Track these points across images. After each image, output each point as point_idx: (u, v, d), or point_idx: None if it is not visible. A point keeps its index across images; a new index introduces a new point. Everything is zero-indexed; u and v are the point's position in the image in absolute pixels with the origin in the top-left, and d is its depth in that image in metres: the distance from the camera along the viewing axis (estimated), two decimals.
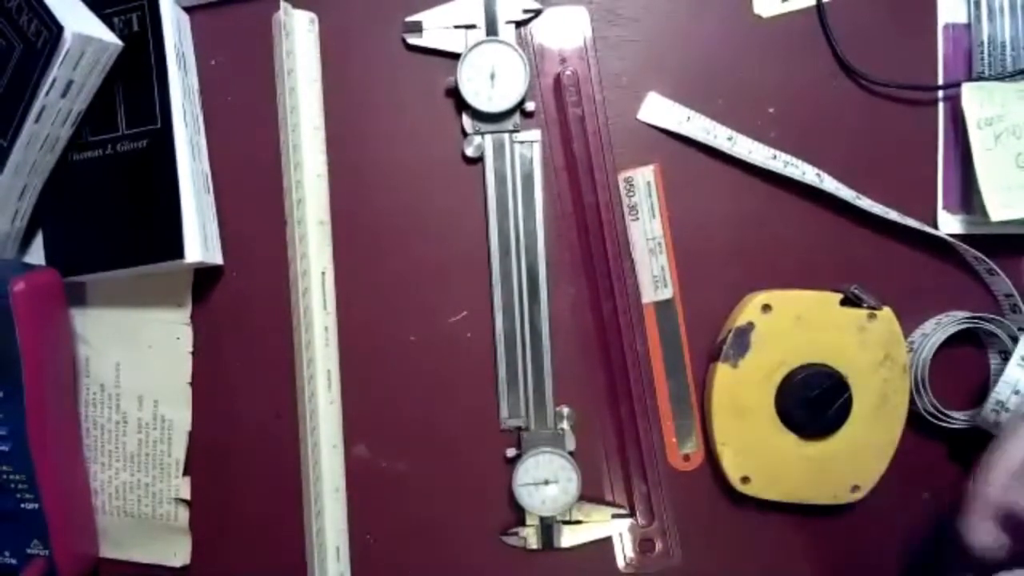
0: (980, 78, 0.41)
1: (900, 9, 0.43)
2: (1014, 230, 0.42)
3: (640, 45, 0.43)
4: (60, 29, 0.36)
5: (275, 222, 0.44)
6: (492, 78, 0.42)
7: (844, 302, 0.41)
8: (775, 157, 0.42)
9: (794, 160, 0.42)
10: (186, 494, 0.45)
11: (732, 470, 0.42)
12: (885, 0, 0.43)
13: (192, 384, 0.45)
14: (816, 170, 0.42)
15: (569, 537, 0.44)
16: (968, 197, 0.42)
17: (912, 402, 0.42)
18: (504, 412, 0.44)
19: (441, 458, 0.45)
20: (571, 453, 0.43)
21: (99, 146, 0.42)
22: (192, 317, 0.45)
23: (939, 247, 0.43)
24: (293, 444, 0.45)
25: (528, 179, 0.43)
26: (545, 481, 0.43)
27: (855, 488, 0.42)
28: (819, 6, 0.42)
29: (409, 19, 0.43)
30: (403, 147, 0.44)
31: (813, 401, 0.41)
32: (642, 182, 0.43)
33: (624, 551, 0.45)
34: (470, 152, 0.43)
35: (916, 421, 0.43)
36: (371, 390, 0.45)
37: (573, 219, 0.44)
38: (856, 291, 0.41)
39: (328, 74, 0.44)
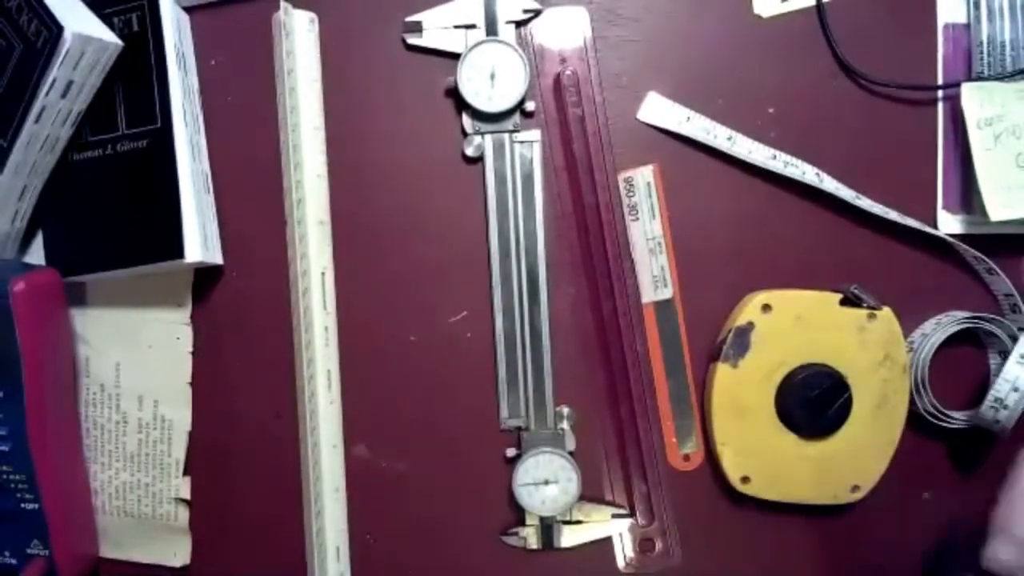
0: (980, 78, 0.41)
1: (900, 9, 0.43)
2: (1014, 230, 0.42)
3: (640, 45, 0.43)
4: (60, 29, 0.36)
5: (275, 222, 0.44)
6: (492, 78, 0.42)
7: (844, 302, 0.41)
8: (775, 157, 0.42)
9: (794, 160, 0.42)
10: (186, 494, 0.45)
11: (732, 470, 0.42)
12: (885, 0, 0.43)
13: (192, 384, 0.45)
14: (816, 170, 0.42)
15: (569, 537, 0.44)
16: (968, 197, 0.42)
17: (912, 402, 0.42)
18: (504, 412, 0.44)
19: (441, 458, 0.45)
20: (571, 453, 0.43)
21: (99, 146, 0.42)
22: (192, 317, 0.45)
23: (939, 247, 0.43)
24: (293, 444, 0.45)
25: (528, 179, 0.43)
26: (545, 481, 0.43)
27: (855, 488, 0.42)
28: (819, 6, 0.42)
29: (409, 19, 0.43)
30: (403, 147, 0.44)
31: (813, 401, 0.41)
32: (642, 182, 0.43)
33: (624, 551, 0.45)
34: (470, 152, 0.43)
35: (916, 421, 0.43)
36: (371, 390, 0.45)
37: (573, 219, 0.44)
38: (856, 291, 0.41)
39: (328, 74, 0.44)
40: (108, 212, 0.42)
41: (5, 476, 0.41)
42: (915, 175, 0.43)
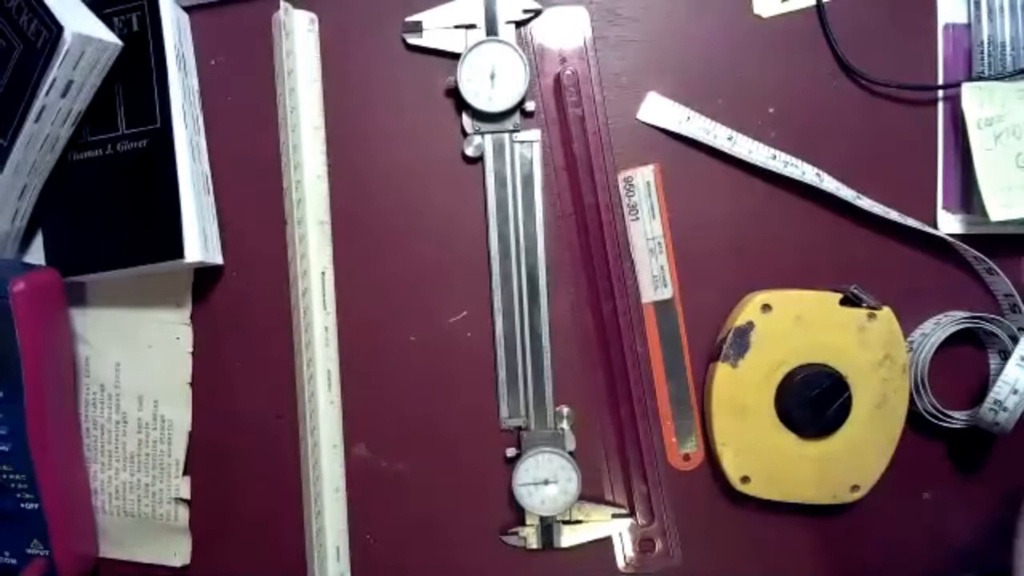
0: (980, 78, 0.41)
1: (900, 9, 0.43)
2: (1014, 230, 0.42)
3: (640, 45, 0.43)
4: (60, 29, 0.36)
5: (275, 222, 0.44)
6: (492, 78, 0.42)
7: (844, 302, 0.41)
8: (775, 157, 0.42)
9: (794, 160, 0.42)
10: (186, 494, 0.45)
11: (732, 470, 0.42)
12: (885, 0, 0.43)
13: (192, 384, 0.45)
14: (816, 170, 0.42)
15: (569, 537, 0.44)
16: (968, 197, 0.42)
17: (912, 402, 0.42)
18: (504, 412, 0.44)
19: (441, 458, 0.45)
20: (571, 453, 0.43)
21: (99, 146, 0.42)
22: (192, 317, 0.45)
23: (939, 247, 0.43)
24: (293, 444, 0.45)
25: (528, 179, 0.43)
26: (545, 481, 0.43)
27: (855, 488, 0.42)
28: (819, 6, 0.42)
29: (409, 19, 0.43)
30: (403, 147, 0.44)
31: (813, 401, 0.41)
32: (642, 182, 0.43)
33: (624, 551, 0.45)
34: (470, 152, 0.43)
35: (916, 421, 0.43)
36: (371, 390, 0.45)
37: (573, 219, 0.44)
38: (856, 291, 0.41)
39: (328, 74, 0.44)
40: (108, 212, 0.42)
41: (5, 476, 0.41)
42: (915, 175, 0.43)
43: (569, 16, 0.43)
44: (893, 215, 0.42)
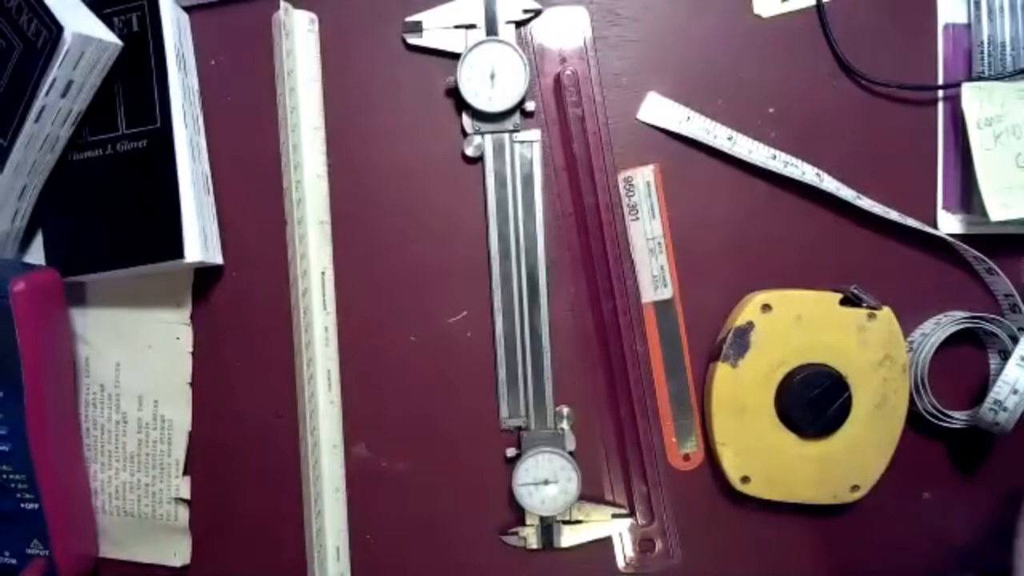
0: (980, 78, 0.41)
1: (900, 9, 0.43)
2: (1014, 230, 0.42)
3: (640, 45, 0.43)
4: (60, 29, 0.36)
5: (275, 222, 0.44)
6: (492, 78, 0.42)
7: (844, 302, 0.41)
8: (775, 157, 0.42)
9: (794, 160, 0.42)
10: (186, 494, 0.45)
11: (732, 470, 0.42)
12: (885, 0, 0.43)
13: (192, 384, 0.45)
14: (816, 170, 0.42)
15: (569, 537, 0.44)
16: (968, 197, 0.42)
17: (912, 402, 0.42)
18: (504, 412, 0.44)
19: (441, 458, 0.45)
20: (571, 453, 0.43)
21: (99, 146, 0.42)
22: (192, 317, 0.45)
23: (939, 247, 0.43)
24: (293, 444, 0.45)
25: (528, 179, 0.43)
26: (545, 481, 0.43)
27: (855, 488, 0.42)
28: (819, 6, 0.42)
29: (409, 19, 0.43)
30: (403, 147, 0.44)
31: (813, 401, 0.41)
32: (642, 182, 0.43)
33: (624, 551, 0.45)
34: (470, 152, 0.43)
35: (916, 421, 0.43)
36: (371, 390, 0.45)
37: (573, 219, 0.44)
38: (856, 291, 0.41)
39: (328, 74, 0.44)
40: (108, 212, 0.42)
41: (5, 476, 0.41)
42: (915, 175, 0.43)
43: (569, 16, 0.43)
44: (893, 215, 0.42)
